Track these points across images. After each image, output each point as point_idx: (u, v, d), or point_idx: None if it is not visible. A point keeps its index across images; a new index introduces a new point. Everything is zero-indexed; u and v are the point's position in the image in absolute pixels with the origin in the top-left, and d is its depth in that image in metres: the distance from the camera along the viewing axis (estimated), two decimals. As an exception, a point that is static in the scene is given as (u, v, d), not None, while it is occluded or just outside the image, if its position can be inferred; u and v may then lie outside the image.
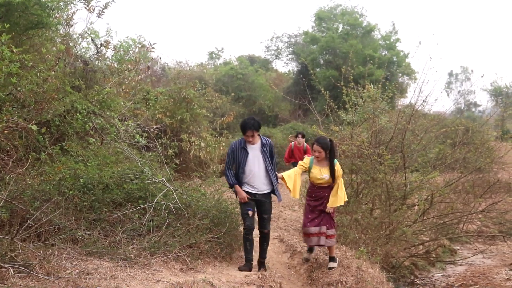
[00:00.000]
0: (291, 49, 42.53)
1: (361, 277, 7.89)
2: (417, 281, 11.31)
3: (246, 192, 8.21)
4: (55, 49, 11.56)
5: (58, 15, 12.47)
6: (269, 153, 8.40)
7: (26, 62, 8.45)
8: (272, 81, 37.39)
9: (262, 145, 8.35)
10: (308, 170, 8.51)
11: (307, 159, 8.59)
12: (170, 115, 15.94)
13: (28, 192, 7.65)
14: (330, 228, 8.38)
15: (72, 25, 14.40)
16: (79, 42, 15.21)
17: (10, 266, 6.02)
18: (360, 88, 13.33)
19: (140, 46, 17.78)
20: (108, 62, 15.76)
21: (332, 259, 8.43)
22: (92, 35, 15.37)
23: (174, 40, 78.65)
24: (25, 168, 8.22)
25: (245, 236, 8.29)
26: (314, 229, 8.38)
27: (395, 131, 11.67)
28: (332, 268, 8.26)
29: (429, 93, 12.33)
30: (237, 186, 8.27)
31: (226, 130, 19.33)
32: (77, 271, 6.45)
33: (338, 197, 8.33)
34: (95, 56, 15.04)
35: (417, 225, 11.26)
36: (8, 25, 7.06)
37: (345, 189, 11.83)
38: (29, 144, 8.84)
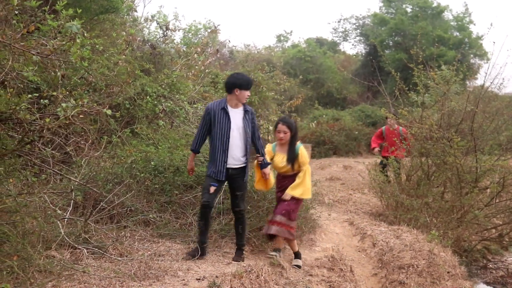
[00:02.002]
0: (359, 31, 42.05)
1: (433, 260, 7.75)
2: (490, 265, 11.00)
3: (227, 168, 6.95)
4: (124, 33, 11.67)
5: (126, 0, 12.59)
6: (251, 122, 7.09)
7: (97, 46, 8.54)
8: (340, 63, 37.03)
9: (245, 111, 7.08)
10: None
11: (269, 145, 7.59)
12: (238, 98, 15.93)
13: (101, 175, 7.75)
14: (282, 215, 7.20)
15: (135, 9, 14.57)
16: (147, 26, 15.37)
17: (84, 247, 6.13)
18: (431, 70, 12.96)
19: (209, 29, 17.83)
20: (174, 45, 15.85)
21: (275, 250, 7.51)
22: (157, 19, 15.50)
23: (242, 23, 78.85)
24: (100, 152, 8.33)
25: (200, 214, 7.04)
26: (270, 216, 7.44)
27: (464, 113, 11.36)
28: (272, 255, 7.27)
29: (498, 73, 11.81)
30: (192, 155, 7.20)
31: (295, 113, 19.23)
32: (149, 252, 6.53)
33: (304, 188, 7.28)
34: (162, 39, 15.17)
35: (489, 208, 10.94)
36: (80, 10, 7.12)
37: (416, 171, 11.69)
38: (100, 127, 8.95)
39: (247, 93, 7.02)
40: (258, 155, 7.19)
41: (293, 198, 7.28)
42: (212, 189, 6.86)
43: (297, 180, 7.29)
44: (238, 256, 7.06)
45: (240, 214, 7.10)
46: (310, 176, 7.47)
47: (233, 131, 6.90)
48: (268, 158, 7.32)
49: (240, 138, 6.96)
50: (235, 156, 6.94)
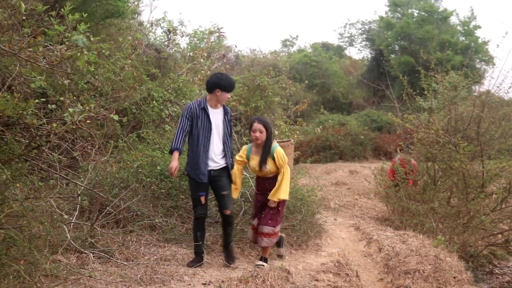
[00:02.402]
0: (364, 35, 42.04)
1: (439, 265, 7.72)
2: (496, 271, 10.98)
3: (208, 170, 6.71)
4: (130, 38, 11.71)
5: (133, 4, 12.65)
6: (229, 124, 6.93)
7: (103, 51, 8.57)
8: (346, 68, 37.07)
9: (225, 112, 6.90)
10: (247, 161, 7.19)
11: (244, 149, 7.27)
12: (244, 103, 15.88)
13: (107, 180, 7.76)
14: (268, 225, 6.99)
15: (140, 14, 14.61)
16: (153, 30, 15.41)
17: (91, 252, 6.14)
18: (441, 75, 12.94)
19: (213, 33, 17.83)
20: (179, 49, 15.86)
21: (262, 259, 7.13)
22: (161, 24, 15.53)
23: (248, 27, 78.95)
24: (107, 157, 8.35)
25: (195, 226, 6.86)
26: (255, 222, 7.20)
27: (470, 119, 11.36)
28: (260, 265, 6.80)
29: (504, 78, 11.84)
30: (176, 154, 6.59)
31: (301, 118, 19.19)
32: (155, 257, 6.54)
33: (281, 189, 6.91)
34: (166, 43, 15.19)
35: (496, 213, 10.91)
36: (86, 14, 7.15)
37: (422, 176, 11.65)
38: (106, 132, 8.98)
39: (228, 95, 6.83)
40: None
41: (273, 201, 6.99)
42: (203, 199, 6.70)
43: (276, 185, 6.94)
44: (230, 258, 6.93)
45: (230, 217, 6.91)
46: (289, 177, 7.09)
47: (213, 133, 6.72)
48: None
49: (219, 139, 6.79)
50: (215, 157, 6.75)
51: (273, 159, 6.93)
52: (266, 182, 7.07)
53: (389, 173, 12.63)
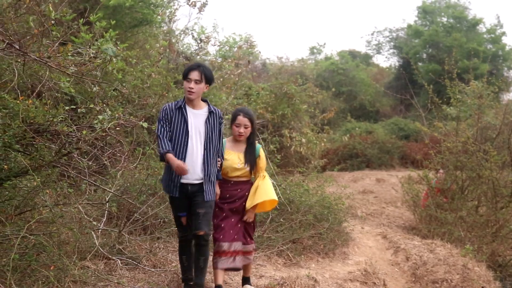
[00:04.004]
0: (392, 43, 41.90)
1: (467, 275, 7.67)
2: (525, 281, 10.87)
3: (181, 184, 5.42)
4: (158, 45, 11.78)
5: (161, 12, 12.71)
6: (216, 128, 5.55)
7: (130, 59, 8.62)
8: (373, 76, 37.00)
9: (210, 113, 5.52)
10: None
11: None
12: (271, 111, 15.90)
13: (135, 186, 7.78)
14: (247, 243, 5.95)
15: (175, 21, 14.64)
16: (181, 38, 15.47)
17: (118, 258, 6.17)
18: (464, 84, 12.85)
19: (245, 43, 17.89)
20: (209, 57, 15.91)
21: (247, 280, 6.09)
22: (192, 31, 15.59)
23: (276, 35, 79.29)
24: (136, 164, 8.38)
25: (179, 249, 5.68)
26: (227, 245, 5.77)
27: (501, 127, 11.24)
28: None
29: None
30: (170, 155, 5.23)
31: (328, 126, 19.17)
32: (182, 264, 6.53)
33: (260, 192, 5.83)
34: (196, 51, 15.24)
35: (525, 223, 10.80)
36: (114, 21, 7.21)
37: (449, 186, 11.50)
38: (134, 139, 9.02)
39: (188, 84, 5.39)
40: (219, 159, 5.70)
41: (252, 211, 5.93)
42: (184, 220, 5.57)
43: (252, 189, 5.89)
44: None
45: (203, 240, 5.43)
46: (270, 182, 6.06)
47: (191, 137, 5.40)
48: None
49: (201, 146, 5.43)
50: (194, 169, 5.40)
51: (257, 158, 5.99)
52: (238, 188, 5.93)
53: (423, 199, 12.12)
